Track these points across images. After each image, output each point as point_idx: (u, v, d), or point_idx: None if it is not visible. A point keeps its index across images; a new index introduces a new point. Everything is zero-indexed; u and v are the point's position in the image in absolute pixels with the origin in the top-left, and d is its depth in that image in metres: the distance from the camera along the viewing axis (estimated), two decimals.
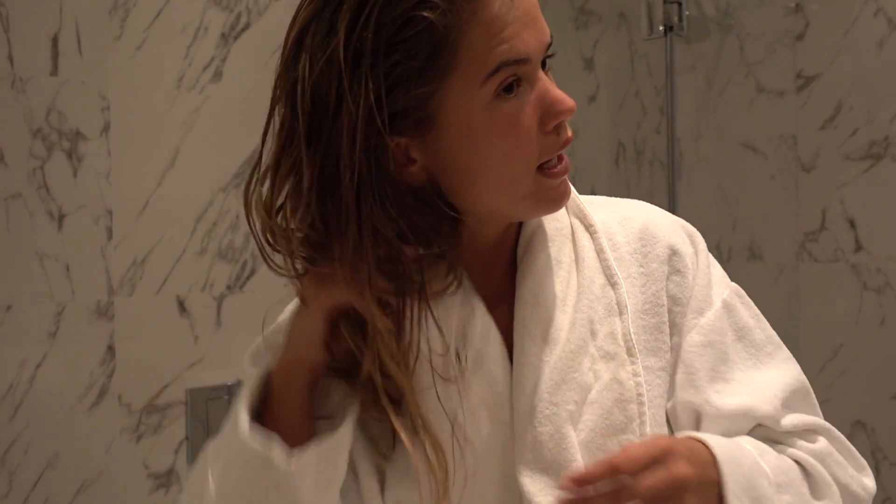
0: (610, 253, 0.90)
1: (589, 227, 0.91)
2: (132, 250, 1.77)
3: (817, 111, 2.24)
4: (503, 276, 0.89)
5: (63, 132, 1.68)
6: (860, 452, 0.92)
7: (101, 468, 1.72)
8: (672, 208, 2.10)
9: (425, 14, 0.76)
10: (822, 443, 0.90)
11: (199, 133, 1.86)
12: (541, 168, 0.83)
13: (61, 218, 1.68)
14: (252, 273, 1.92)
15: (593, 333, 0.87)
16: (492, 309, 0.86)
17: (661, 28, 2.22)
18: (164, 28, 1.82)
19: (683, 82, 2.32)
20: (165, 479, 1.81)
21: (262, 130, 0.82)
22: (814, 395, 0.94)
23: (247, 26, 1.93)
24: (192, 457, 1.84)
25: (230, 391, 1.89)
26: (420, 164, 0.82)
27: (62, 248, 1.68)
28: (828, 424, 0.93)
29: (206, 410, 1.86)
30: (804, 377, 0.94)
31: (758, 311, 0.95)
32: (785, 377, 0.91)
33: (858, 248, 2.19)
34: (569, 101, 0.82)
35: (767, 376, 0.91)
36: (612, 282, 0.89)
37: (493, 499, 0.85)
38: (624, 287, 0.89)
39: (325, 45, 0.77)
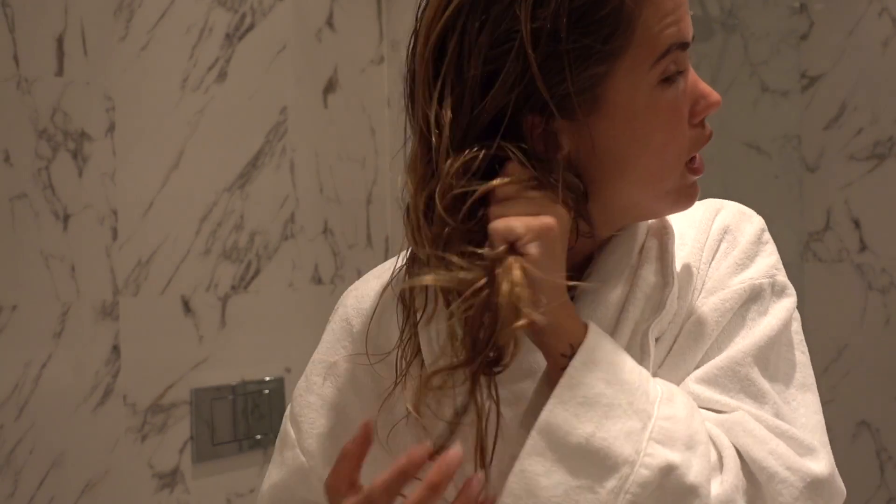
0: (675, 254, 0.83)
1: (663, 229, 0.85)
2: (137, 250, 1.77)
3: (822, 111, 2.24)
4: (575, 269, 0.83)
5: (68, 132, 1.68)
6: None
7: (106, 468, 1.73)
8: None
9: None
10: (734, 415, 0.77)
11: (203, 133, 1.86)
12: (686, 163, 0.79)
13: (66, 218, 1.68)
14: (257, 273, 1.92)
15: (639, 333, 0.81)
16: None
17: None
18: (168, 29, 1.82)
19: None
20: (170, 479, 1.81)
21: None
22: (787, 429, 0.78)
23: (251, 27, 1.93)
24: (197, 456, 1.85)
25: (234, 391, 1.90)
26: (565, 152, 0.76)
27: (67, 249, 1.68)
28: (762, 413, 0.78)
29: (210, 410, 1.86)
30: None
31: (794, 340, 0.84)
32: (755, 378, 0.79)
33: (863, 247, 2.19)
34: (716, 95, 0.79)
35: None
36: (665, 282, 0.82)
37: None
38: (674, 288, 0.81)
39: (490, 29, 0.72)
